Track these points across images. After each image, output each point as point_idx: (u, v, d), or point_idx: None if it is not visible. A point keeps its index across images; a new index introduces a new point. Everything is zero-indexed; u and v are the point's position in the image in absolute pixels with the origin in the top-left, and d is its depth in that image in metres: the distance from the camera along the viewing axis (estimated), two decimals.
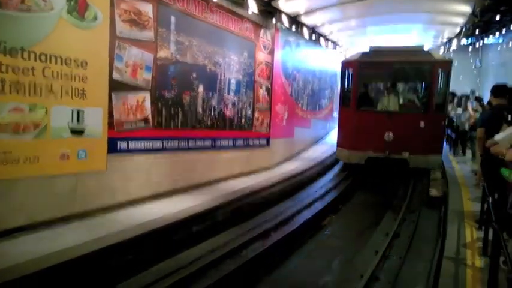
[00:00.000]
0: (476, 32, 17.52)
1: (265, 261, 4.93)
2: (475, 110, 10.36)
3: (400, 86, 10.95)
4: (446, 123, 9.94)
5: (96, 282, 3.96)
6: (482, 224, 4.78)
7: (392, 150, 8.75)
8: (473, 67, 22.99)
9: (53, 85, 4.90)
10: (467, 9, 11.46)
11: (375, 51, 9.81)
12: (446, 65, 9.27)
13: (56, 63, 4.90)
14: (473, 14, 11.80)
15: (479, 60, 22.71)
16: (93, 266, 4.05)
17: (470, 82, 22.15)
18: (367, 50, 10.05)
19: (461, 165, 9.67)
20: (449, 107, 11.45)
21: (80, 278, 3.89)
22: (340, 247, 5.71)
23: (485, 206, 4.62)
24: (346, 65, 10.09)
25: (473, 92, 17.83)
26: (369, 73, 10.00)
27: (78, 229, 4.84)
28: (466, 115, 10.66)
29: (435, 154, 8.98)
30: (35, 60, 4.67)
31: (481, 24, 15.79)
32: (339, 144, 9.93)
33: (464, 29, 13.88)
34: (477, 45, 22.01)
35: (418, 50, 9.77)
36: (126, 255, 4.42)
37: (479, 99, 11.96)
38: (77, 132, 5.30)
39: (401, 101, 10.18)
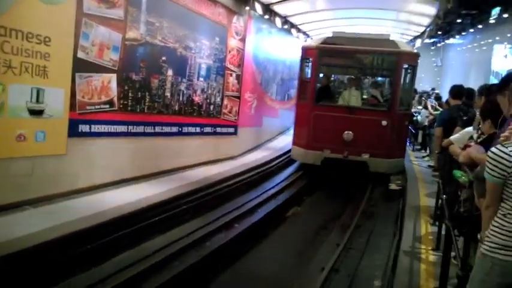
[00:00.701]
0: (439, 33, 18.33)
1: (226, 253, 4.95)
2: (434, 108, 10.88)
3: (363, 78, 10.07)
4: (410, 121, 9.26)
5: (36, 280, 3.64)
6: (436, 219, 5.08)
7: (351, 151, 7.82)
8: (434, 65, 24.08)
9: (12, 61, 4.58)
10: (432, 11, 11.91)
11: (338, 38, 8.65)
12: (413, 58, 8.39)
13: (16, 37, 4.58)
14: (437, 15, 12.30)
15: (440, 59, 23.82)
16: (40, 260, 3.80)
17: (430, 80, 23.24)
18: (330, 35, 9.01)
19: (419, 161, 10.16)
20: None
21: (17, 274, 3.57)
22: (303, 240, 5.86)
23: (440, 202, 4.91)
24: (305, 51, 8.84)
25: (433, 89, 18.73)
26: (330, 62, 9.00)
27: (31, 217, 4.61)
28: (426, 113, 11.16)
29: (397, 158, 8.22)
30: None
31: (443, 25, 16.54)
32: (294, 142, 8.86)
33: (428, 29, 14.46)
34: (439, 45, 23.03)
35: (383, 39, 8.62)
36: (81, 247, 4.24)
37: (438, 98, 12.59)
38: (36, 112, 5.02)
39: (363, 95, 9.26)
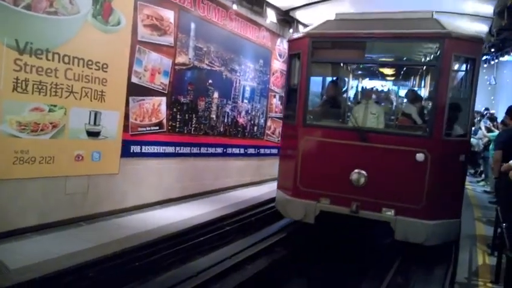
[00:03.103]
0: (492, 50, 17.48)
1: (267, 277, 4.87)
2: (488, 130, 10.27)
3: (385, 83, 6.94)
4: (468, 156, 5.30)
5: None
6: (495, 249, 4.71)
7: (364, 204, 4.84)
8: (488, 84, 22.84)
9: (74, 86, 4.96)
10: (484, 28, 11.42)
11: (343, 21, 5.45)
12: (472, 46, 4.81)
13: (78, 65, 4.97)
14: (489, 33, 11.77)
15: (494, 78, 22.56)
16: (88, 277, 3.96)
17: (484, 99, 21.96)
18: (333, 18, 5.62)
19: (473, 185, 9.56)
20: None
21: None
22: (349, 266, 5.63)
23: (498, 230, 4.56)
24: (291, 45, 5.80)
25: (487, 109, 17.71)
26: (329, 57, 5.76)
27: (85, 232, 4.88)
28: (479, 134, 10.55)
29: (446, 218, 4.79)
30: (59, 61, 4.75)
31: (497, 42, 15.77)
32: (278, 184, 5.89)
33: None
34: (492, 62, 21.89)
35: (421, 19, 5.11)
36: (129, 264, 4.39)
37: (492, 119, 11.86)
38: (93, 134, 5.35)
39: (390, 113, 6.04)
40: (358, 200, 4.87)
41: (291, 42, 5.87)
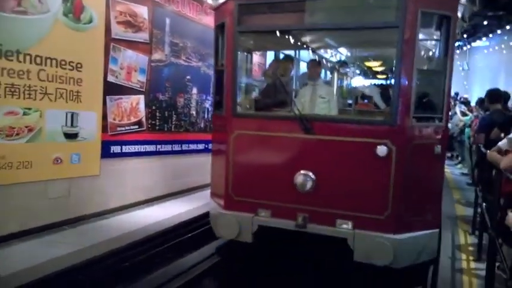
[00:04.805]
0: (464, 36, 18.00)
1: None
2: (463, 113, 10.59)
3: (338, 56, 5.73)
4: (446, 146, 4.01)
5: None
6: (476, 229, 4.89)
7: (313, 215, 3.63)
8: (461, 69, 23.52)
9: (48, 88, 4.81)
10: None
11: None
12: (446, 2, 3.57)
13: (51, 65, 4.81)
14: (462, 19, 12.09)
15: (466, 63, 23.22)
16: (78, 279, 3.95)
17: (457, 84, 22.66)
18: None
19: (451, 168, 9.86)
20: None
21: None
22: None
23: (479, 210, 4.73)
24: (217, 15, 4.45)
25: (456, 94, 18.27)
26: (259, 25, 4.27)
27: (69, 236, 4.79)
28: (455, 120, 10.86)
29: (421, 229, 3.55)
30: (31, 62, 4.58)
31: (468, 28, 16.22)
32: (211, 191, 4.50)
33: None
34: (464, 48, 22.50)
35: None
36: (118, 265, 4.36)
37: (466, 103, 12.25)
38: (71, 136, 5.22)
39: (336, 96, 4.92)
40: (306, 211, 3.65)
41: (215, 11, 4.47)
